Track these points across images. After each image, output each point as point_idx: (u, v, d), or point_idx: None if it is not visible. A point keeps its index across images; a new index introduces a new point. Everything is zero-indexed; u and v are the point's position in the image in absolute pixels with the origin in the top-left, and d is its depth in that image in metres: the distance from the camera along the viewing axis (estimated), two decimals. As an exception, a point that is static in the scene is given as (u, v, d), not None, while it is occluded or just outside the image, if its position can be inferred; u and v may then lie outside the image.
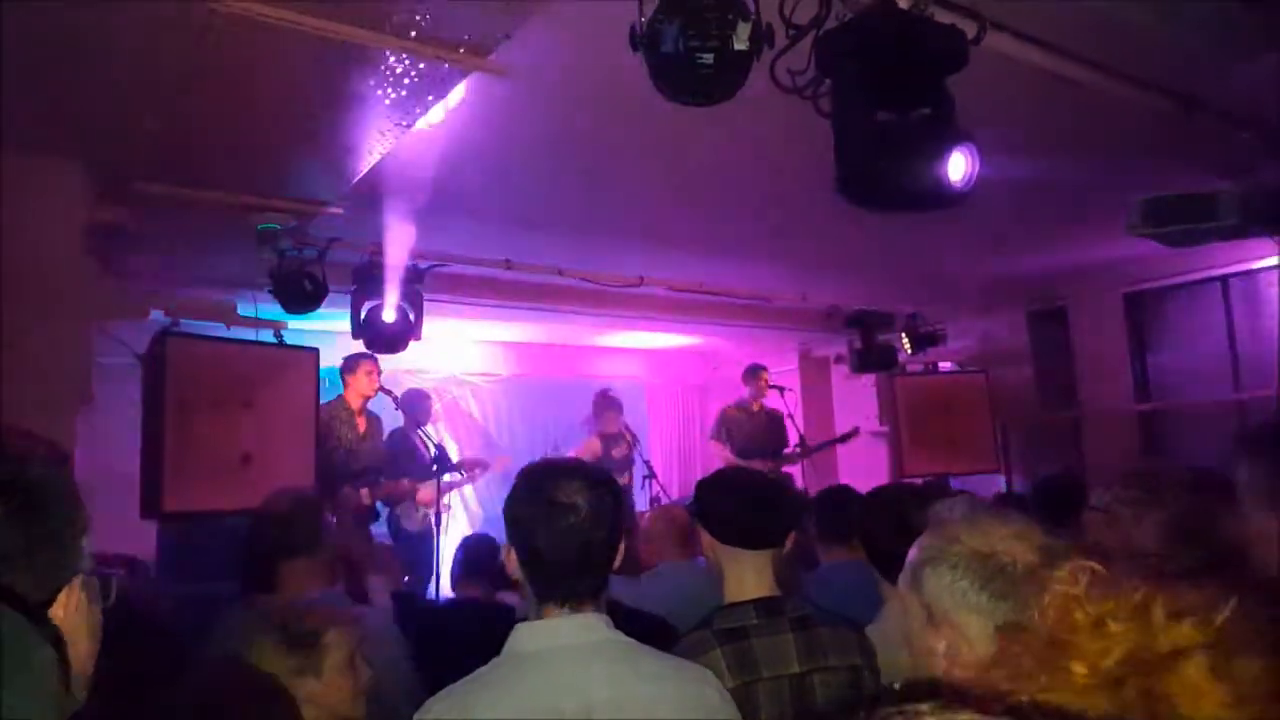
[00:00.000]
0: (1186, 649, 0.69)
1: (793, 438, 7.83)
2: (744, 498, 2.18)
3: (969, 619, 1.38)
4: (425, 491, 6.20)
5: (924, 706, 0.61)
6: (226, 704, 1.40)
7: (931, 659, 1.43)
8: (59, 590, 0.99)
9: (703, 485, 2.29)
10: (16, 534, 0.95)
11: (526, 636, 1.64)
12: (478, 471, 7.08)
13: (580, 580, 1.65)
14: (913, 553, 1.50)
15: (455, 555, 3.92)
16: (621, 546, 1.72)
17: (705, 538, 2.19)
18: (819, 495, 3.81)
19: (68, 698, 0.93)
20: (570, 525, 1.62)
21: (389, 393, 6.05)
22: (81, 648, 1.00)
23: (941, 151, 2.37)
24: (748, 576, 2.12)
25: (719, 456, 7.60)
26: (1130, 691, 0.69)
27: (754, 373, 7.83)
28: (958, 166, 2.43)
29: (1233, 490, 2.05)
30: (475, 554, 3.84)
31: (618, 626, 1.71)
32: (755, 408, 7.79)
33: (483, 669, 1.62)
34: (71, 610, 0.99)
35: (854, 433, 8.05)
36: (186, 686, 1.45)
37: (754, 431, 7.66)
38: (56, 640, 0.90)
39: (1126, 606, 0.74)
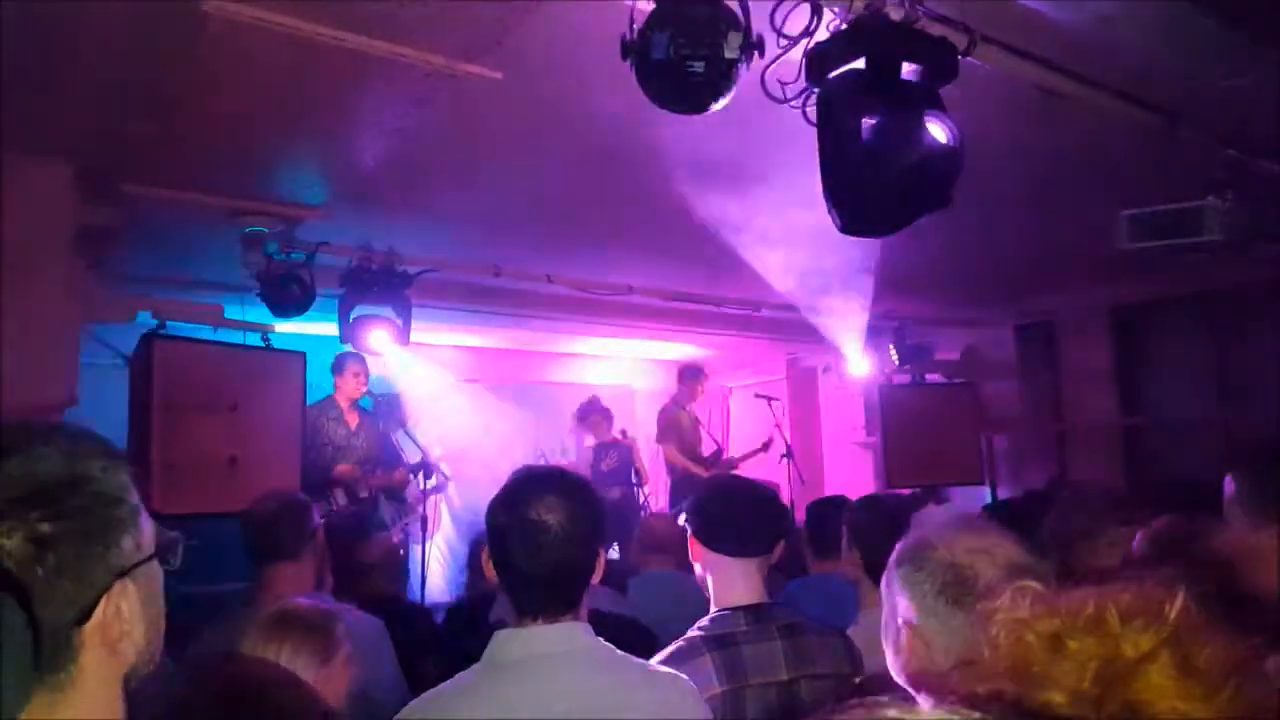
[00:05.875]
0: (1150, 652, 0.68)
1: (709, 447, 7.76)
2: (735, 505, 2.19)
3: (926, 621, 1.44)
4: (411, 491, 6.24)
5: (885, 699, 0.61)
6: (250, 696, 1.39)
7: (898, 656, 1.50)
8: (93, 605, 0.90)
9: (693, 494, 2.31)
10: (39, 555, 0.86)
11: (506, 644, 1.64)
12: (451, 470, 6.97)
13: (555, 595, 1.65)
14: (893, 553, 1.55)
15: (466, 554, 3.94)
16: (602, 559, 1.72)
17: (695, 544, 2.19)
18: (810, 505, 3.80)
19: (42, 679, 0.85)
20: (544, 543, 1.61)
21: (372, 395, 6.06)
22: (129, 647, 0.94)
23: (916, 122, 2.33)
24: (737, 583, 2.12)
25: (671, 459, 7.46)
26: (1113, 706, 0.67)
27: (694, 374, 7.65)
28: (938, 130, 2.37)
29: (1217, 503, 2.07)
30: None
31: (601, 634, 1.71)
32: (689, 409, 7.65)
33: (463, 674, 1.63)
34: (110, 617, 0.91)
35: (768, 445, 7.77)
36: (202, 682, 1.44)
37: (693, 435, 7.57)
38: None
39: (1080, 620, 0.72)
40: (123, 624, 0.93)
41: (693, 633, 2.08)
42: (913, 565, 1.48)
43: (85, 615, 0.89)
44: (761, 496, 2.27)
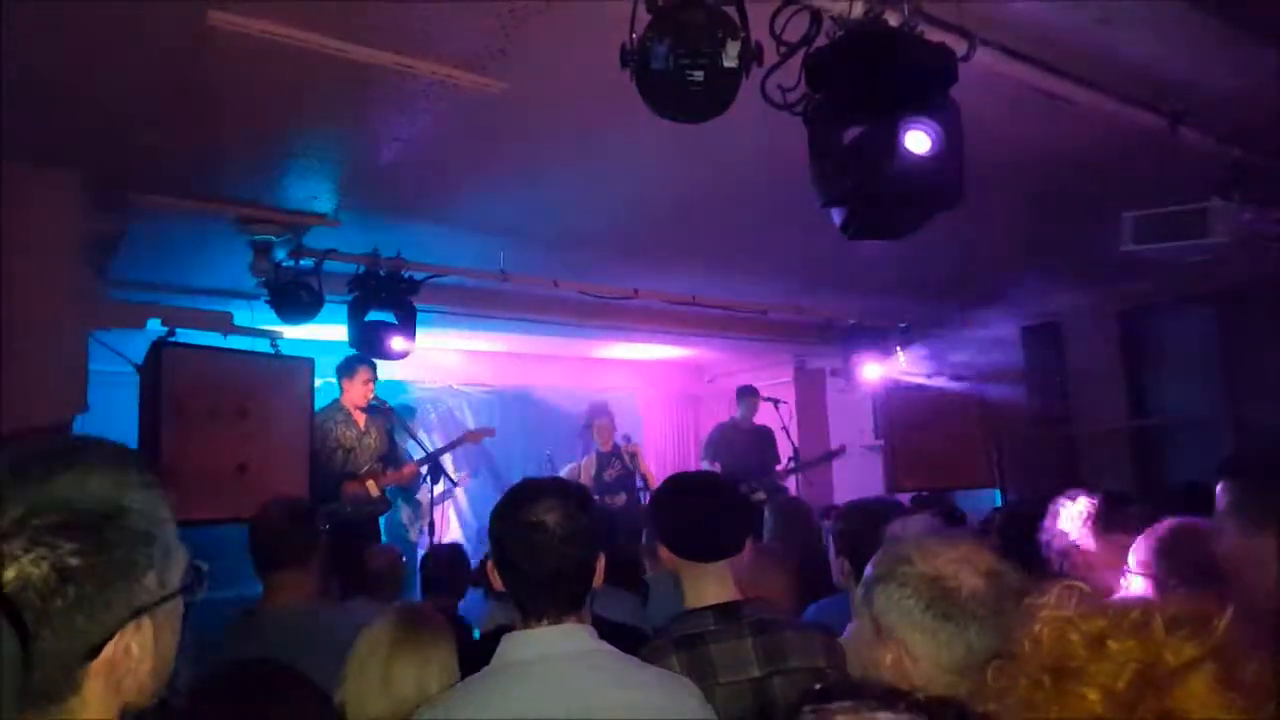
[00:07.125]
0: (1193, 661, 0.68)
1: (785, 452, 7.83)
2: (693, 512, 2.20)
3: (913, 636, 1.45)
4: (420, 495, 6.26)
5: (836, 705, 0.63)
6: (271, 703, 1.42)
7: (878, 672, 1.49)
8: (104, 643, 0.89)
9: (654, 500, 2.32)
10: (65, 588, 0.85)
11: (513, 646, 1.69)
12: (470, 440, 6.94)
13: (556, 596, 1.71)
14: (868, 570, 1.55)
15: (419, 570, 4.05)
16: (601, 563, 1.77)
17: (662, 549, 2.21)
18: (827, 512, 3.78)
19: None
20: (542, 545, 1.68)
21: (382, 402, 6.08)
22: (132, 684, 0.92)
23: (914, 127, 2.30)
24: (707, 586, 2.13)
25: None
26: (1145, 712, 0.68)
27: (747, 394, 7.89)
28: (933, 136, 2.34)
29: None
30: (436, 568, 3.96)
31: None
32: (745, 426, 7.81)
33: (472, 677, 1.68)
34: (120, 654, 0.90)
35: (841, 450, 8.14)
36: (224, 687, 1.47)
37: (743, 450, 7.65)
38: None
39: (1125, 623, 0.73)
40: (130, 662, 0.91)
41: (660, 633, 2.11)
42: (895, 582, 1.48)
43: (94, 652, 0.88)
44: (721, 499, 2.26)
